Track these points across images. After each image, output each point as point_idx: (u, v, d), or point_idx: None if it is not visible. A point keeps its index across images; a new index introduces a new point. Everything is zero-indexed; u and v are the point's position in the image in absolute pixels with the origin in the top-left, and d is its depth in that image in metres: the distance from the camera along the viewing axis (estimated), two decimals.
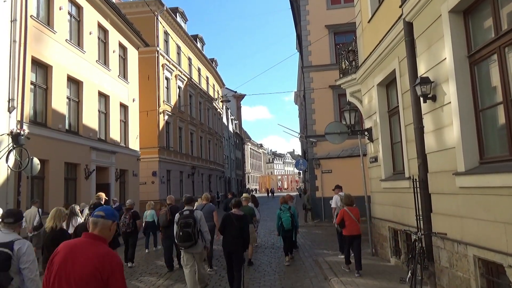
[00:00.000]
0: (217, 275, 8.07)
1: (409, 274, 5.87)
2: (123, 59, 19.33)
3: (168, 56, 25.74)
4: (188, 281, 6.38)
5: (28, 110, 11.63)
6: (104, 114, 16.91)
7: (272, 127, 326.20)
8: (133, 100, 20.03)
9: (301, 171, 40.08)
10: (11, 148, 10.46)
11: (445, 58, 5.00)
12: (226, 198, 19.76)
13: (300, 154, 44.08)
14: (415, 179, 6.08)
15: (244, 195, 9.25)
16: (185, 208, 6.59)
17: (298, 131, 40.55)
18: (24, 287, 3.43)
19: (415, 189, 6.05)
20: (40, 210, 9.75)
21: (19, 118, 11.01)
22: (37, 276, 3.54)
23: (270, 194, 60.39)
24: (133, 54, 20.41)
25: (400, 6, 6.14)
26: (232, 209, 6.61)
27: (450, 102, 4.92)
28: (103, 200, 8.06)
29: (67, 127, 13.78)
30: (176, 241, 6.48)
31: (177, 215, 6.49)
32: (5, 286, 3.28)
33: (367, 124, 9.44)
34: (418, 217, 6.00)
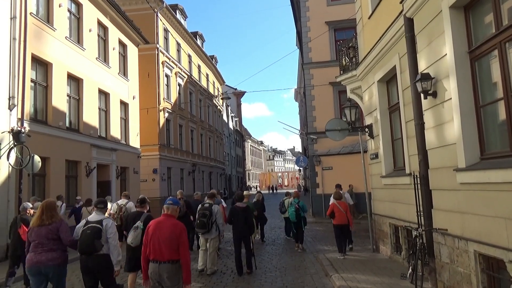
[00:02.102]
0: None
1: (410, 270, 5.91)
2: (123, 56, 19.30)
3: (168, 53, 25.69)
4: (200, 258, 7.95)
5: (28, 107, 11.62)
6: (105, 112, 16.90)
7: (271, 124, 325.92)
8: (133, 98, 20.01)
9: (301, 168, 40.18)
10: (12, 145, 10.47)
11: (446, 54, 4.99)
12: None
13: (301, 151, 44.14)
14: (416, 175, 6.09)
15: (244, 192, 9.97)
16: (206, 201, 8.00)
17: (298, 128, 40.60)
18: (110, 251, 4.89)
19: (416, 185, 6.06)
20: (64, 204, 11.06)
21: (19, 116, 11.01)
22: (118, 243, 5.03)
23: (272, 191, 60.65)
24: (133, 51, 20.37)
25: (401, 2, 6.12)
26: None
27: (450, 98, 4.91)
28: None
29: (67, 124, 13.78)
30: (195, 227, 8.04)
31: (199, 206, 7.94)
32: (99, 249, 4.75)
33: (368, 121, 9.44)
34: (419, 213, 6.02)
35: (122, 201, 9.52)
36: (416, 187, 6.06)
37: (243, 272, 7.57)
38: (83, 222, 4.98)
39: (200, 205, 7.94)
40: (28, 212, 7.00)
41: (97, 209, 5.09)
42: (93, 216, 5.00)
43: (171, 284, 4.09)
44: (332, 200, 9.79)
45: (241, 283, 7.08)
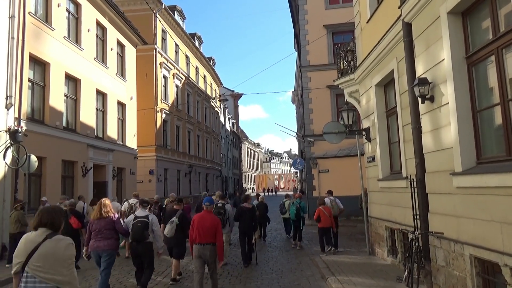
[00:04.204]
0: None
1: (406, 273, 5.93)
2: (121, 57, 19.28)
3: (166, 55, 25.69)
4: None
5: (25, 107, 11.58)
6: (102, 112, 16.86)
7: (267, 126, 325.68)
8: (131, 98, 19.98)
9: (298, 171, 40.18)
10: (9, 145, 10.42)
11: (443, 59, 5.04)
12: (234, 196, 27.09)
13: (297, 153, 44.14)
14: (413, 179, 6.13)
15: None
16: (219, 202, 8.91)
17: (295, 130, 40.62)
18: (155, 239, 6.33)
19: (412, 188, 6.10)
20: (85, 204, 11.39)
21: (16, 115, 10.97)
22: (161, 233, 6.62)
23: (272, 193, 61.02)
24: (131, 52, 20.35)
25: (399, 7, 6.17)
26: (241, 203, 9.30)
27: (448, 103, 4.96)
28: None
29: (64, 124, 13.74)
30: None
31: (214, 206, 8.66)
32: (147, 238, 6.13)
33: (365, 124, 9.49)
34: (415, 217, 6.05)
35: (132, 201, 10.68)
36: (413, 191, 6.09)
37: (248, 263, 8.70)
38: (131, 217, 6.40)
39: (214, 205, 8.42)
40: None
41: (142, 207, 6.56)
42: (140, 212, 6.39)
43: (211, 259, 5.67)
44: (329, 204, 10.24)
45: (237, 285, 7.09)
